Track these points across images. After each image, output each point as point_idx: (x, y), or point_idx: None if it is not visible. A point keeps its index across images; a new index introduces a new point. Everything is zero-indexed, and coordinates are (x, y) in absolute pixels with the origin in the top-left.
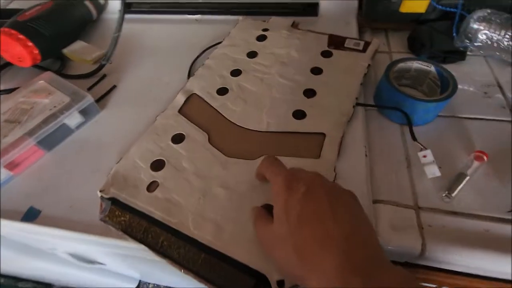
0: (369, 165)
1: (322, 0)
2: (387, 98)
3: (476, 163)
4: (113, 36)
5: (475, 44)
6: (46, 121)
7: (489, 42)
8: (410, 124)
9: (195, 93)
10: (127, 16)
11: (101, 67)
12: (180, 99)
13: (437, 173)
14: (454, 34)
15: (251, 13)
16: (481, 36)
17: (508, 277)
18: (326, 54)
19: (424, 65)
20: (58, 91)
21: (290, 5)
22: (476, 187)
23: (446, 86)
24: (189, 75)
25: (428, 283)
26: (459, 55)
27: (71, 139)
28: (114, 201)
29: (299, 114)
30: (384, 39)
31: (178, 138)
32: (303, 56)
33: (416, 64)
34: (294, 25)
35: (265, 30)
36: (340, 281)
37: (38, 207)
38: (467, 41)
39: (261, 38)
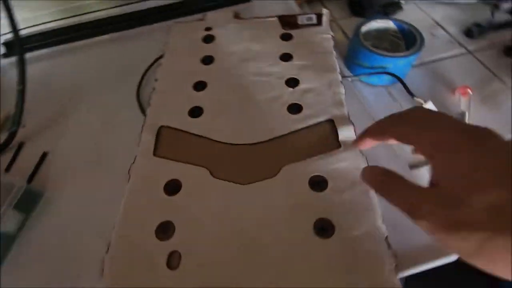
0: None
1: None
2: (366, 64)
3: (464, 99)
4: (18, 90)
5: None
6: None
7: None
8: (403, 83)
9: (163, 126)
10: (29, 55)
11: (12, 135)
12: (148, 138)
13: None
14: None
15: (174, 16)
16: None
17: None
18: (286, 37)
19: (383, 23)
20: None
21: None
22: (475, 119)
23: (409, 37)
24: (142, 108)
25: None
26: (396, 6)
27: (18, 249)
28: None
29: (294, 109)
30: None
31: (172, 187)
32: (265, 45)
33: (375, 24)
34: (236, 16)
35: (208, 29)
36: None
37: None
38: None
39: (209, 38)
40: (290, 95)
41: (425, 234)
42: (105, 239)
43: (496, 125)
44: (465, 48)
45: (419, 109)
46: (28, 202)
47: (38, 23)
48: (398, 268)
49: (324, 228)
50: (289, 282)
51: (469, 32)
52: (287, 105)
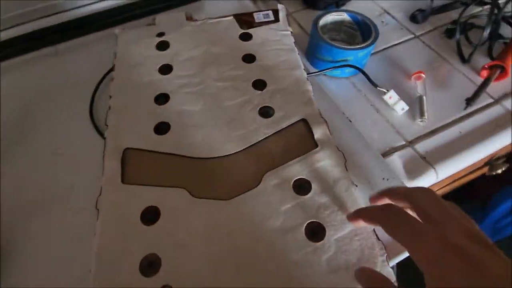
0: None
1: None
2: (328, 58)
3: (419, 83)
4: None
5: None
6: None
7: None
8: (365, 74)
9: (128, 148)
10: None
11: None
12: (113, 165)
13: (406, 107)
14: None
15: (120, 22)
16: None
17: (486, 155)
18: (246, 37)
19: (338, 15)
20: None
21: None
22: (432, 101)
23: (364, 27)
24: (98, 130)
25: None
26: None
27: None
28: None
29: (266, 112)
30: (276, 2)
31: (150, 215)
32: (225, 48)
33: (330, 17)
34: (189, 18)
35: (161, 34)
36: None
37: None
38: None
39: (163, 45)
40: (259, 98)
41: None
42: (85, 284)
43: (451, 103)
44: (413, 33)
45: (426, 198)
46: None
47: None
48: (388, 257)
49: (315, 231)
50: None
51: (414, 18)
52: (258, 108)
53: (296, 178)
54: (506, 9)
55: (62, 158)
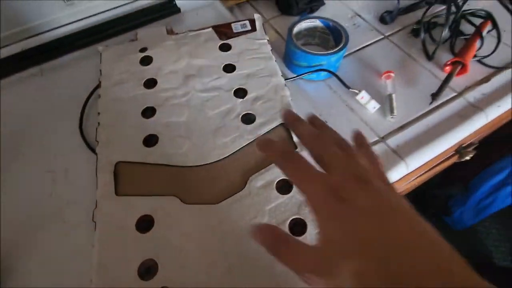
0: None
1: None
2: (304, 63)
3: (389, 81)
4: None
5: None
6: None
7: None
8: (338, 77)
9: (120, 162)
10: None
11: None
12: (106, 178)
13: (377, 105)
14: None
15: (102, 38)
16: None
17: (452, 145)
18: (225, 48)
19: (311, 22)
20: None
21: (144, 12)
22: (401, 98)
23: (335, 32)
24: (89, 146)
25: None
26: (319, 2)
27: None
28: None
29: (248, 119)
30: (252, 9)
31: (145, 223)
32: (206, 59)
33: (304, 24)
34: (170, 32)
35: (144, 50)
36: None
37: None
38: None
39: (146, 60)
40: (241, 106)
41: None
42: None
43: (418, 98)
44: (382, 34)
45: (324, 144)
46: None
47: None
48: None
49: (298, 227)
50: (284, 280)
51: (383, 19)
52: (240, 116)
53: (278, 179)
54: (466, 7)
55: (56, 175)
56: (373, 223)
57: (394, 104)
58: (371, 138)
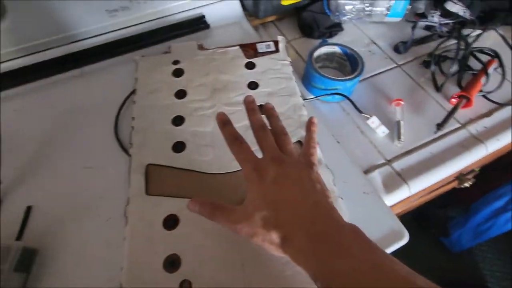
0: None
1: (204, 7)
2: (321, 86)
3: (398, 108)
4: None
5: (345, 15)
6: None
7: (354, 11)
8: (351, 101)
9: (150, 164)
10: None
11: None
12: (138, 179)
13: (386, 130)
14: (329, 13)
15: (138, 47)
16: (348, 7)
17: (453, 173)
18: (250, 66)
19: (330, 48)
20: None
21: (177, 26)
22: (408, 125)
23: (352, 59)
24: (123, 147)
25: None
26: (338, 27)
27: None
28: None
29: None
30: (276, 29)
31: (171, 222)
32: (232, 76)
33: (324, 49)
34: (200, 47)
35: (176, 62)
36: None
37: None
38: (339, 14)
39: (178, 72)
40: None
41: (380, 230)
42: (114, 283)
43: (424, 127)
44: (395, 62)
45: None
46: (26, 261)
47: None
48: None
49: None
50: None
51: (397, 48)
52: None
53: None
54: (475, 44)
55: (92, 171)
56: (276, 190)
57: (402, 130)
58: (378, 160)
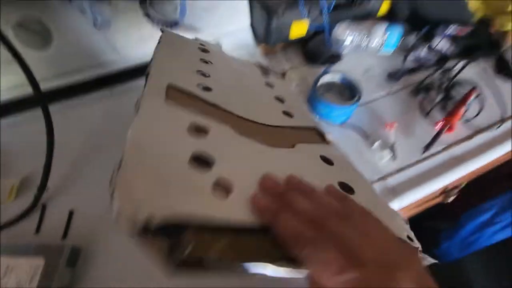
0: None
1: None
2: (323, 110)
3: (391, 132)
4: (47, 142)
5: (346, 46)
6: None
7: (354, 43)
8: (351, 126)
9: (171, 86)
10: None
11: (37, 199)
12: (157, 92)
13: (389, 154)
14: (330, 45)
15: None
16: (349, 38)
17: (438, 188)
18: (270, 85)
19: (332, 77)
20: (17, 259)
21: None
22: (400, 146)
23: (351, 87)
24: None
25: None
26: (338, 57)
27: None
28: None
29: (287, 114)
30: (284, 56)
31: (198, 130)
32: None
33: (327, 77)
34: None
35: (205, 50)
36: None
37: None
38: (339, 45)
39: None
40: (282, 107)
41: None
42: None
43: (414, 148)
44: (389, 89)
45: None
46: (73, 258)
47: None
48: None
49: (345, 189)
50: None
51: (390, 77)
52: (281, 111)
53: (321, 154)
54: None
55: None
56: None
57: (395, 150)
58: (375, 176)
